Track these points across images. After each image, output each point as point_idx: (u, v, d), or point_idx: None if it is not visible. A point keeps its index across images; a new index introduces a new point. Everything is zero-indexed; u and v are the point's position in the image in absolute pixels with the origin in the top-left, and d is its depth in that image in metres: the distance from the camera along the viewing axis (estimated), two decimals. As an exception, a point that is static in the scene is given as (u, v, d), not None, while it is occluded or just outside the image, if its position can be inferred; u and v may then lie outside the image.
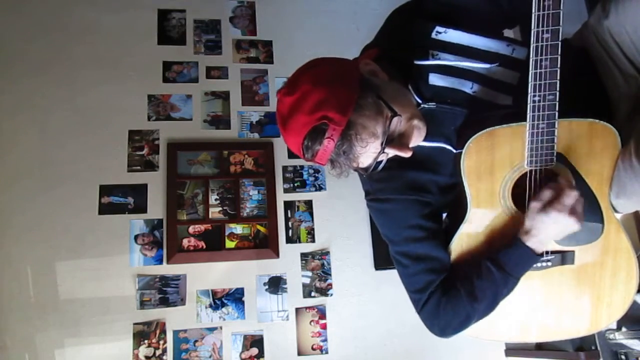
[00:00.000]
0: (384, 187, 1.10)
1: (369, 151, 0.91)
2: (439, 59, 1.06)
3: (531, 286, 1.09)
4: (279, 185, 2.38)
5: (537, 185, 1.00)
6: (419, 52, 1.07)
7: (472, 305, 1.03)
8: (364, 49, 1.19)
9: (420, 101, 1.05)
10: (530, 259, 1.01)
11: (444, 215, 1.22)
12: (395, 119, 0.92)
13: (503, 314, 1.08)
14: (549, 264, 1.06)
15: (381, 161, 0.98)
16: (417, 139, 1.00)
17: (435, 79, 1.06)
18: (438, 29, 1.07)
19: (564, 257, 1.06)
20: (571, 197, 0.95)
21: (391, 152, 0.96)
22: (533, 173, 0.99)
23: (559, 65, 0.88)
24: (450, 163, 1.07)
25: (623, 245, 1.05)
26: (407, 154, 0.97)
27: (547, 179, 0.99)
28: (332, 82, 0.91)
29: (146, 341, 2.10)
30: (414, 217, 1.07)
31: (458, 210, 1.11)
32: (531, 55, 0.88)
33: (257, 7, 2.60)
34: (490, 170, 1.01)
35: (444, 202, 1.12)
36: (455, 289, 1.04)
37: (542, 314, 1.11)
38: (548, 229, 0.98)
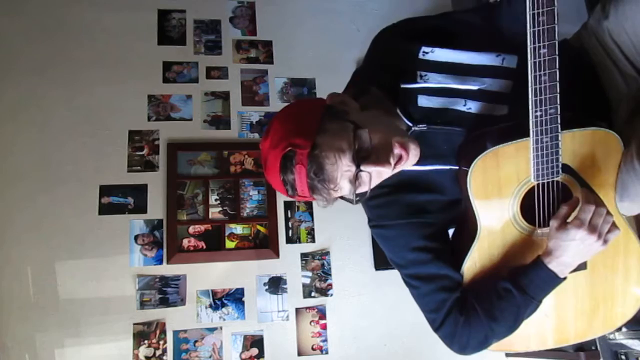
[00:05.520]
0: (383, 213, 1.09)
1: (341, 169, 0.90)
2: (428, 80, 1.05)
3: (547, 296, 1.08)
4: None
5: (546, 198, 0.99)
6: (406, 75, 1.06)
7: (490, 326, 1.01)
8: (353, 74, 1.20)
9: (410, 124, 1.04)
10: (553, 281, 0.99)
11: (452, 230, 1.20)
12: (360, 132, 0.91)
13: (522, 327, 1.07)
14: None
15: (366, 192, 0.96)
16: (409, 158, 0.97)
17: (424, 101, 1.05)
18: (424, 49, 1.05)
19: (577, 265, 1.06)
20: (587, 211, 0.91)
21: (370, 169, 0.92)
22: (540, 186, 0.99)
23: (557, 79, 0.87)
24: (449, 181, 1.06)
25: (633, 246, 1.05)
26: (386, 168, 0.94)
27: (555, 191, 0.99)
28: (297, 114, 0.96)
29: (146, 341, 2.10)
30: (417, 239, 1.06)
31: (464, 226, 1.10)
32: (529, 72, 0.87)
33: (257, 7, 2.60)
34: (497, 187, 1.00)
35: (448, 219, 1.10)
36: (473, 309, 1.02)
37: (558, 320, 1.10)
38: (569, 248, 0.94)
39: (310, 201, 2.33)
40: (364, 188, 0.95)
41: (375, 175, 0.94)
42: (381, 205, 1.09)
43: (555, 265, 0.97)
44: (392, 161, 0.94)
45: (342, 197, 0.98)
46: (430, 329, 1.09)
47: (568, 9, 2.13)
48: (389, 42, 1.15)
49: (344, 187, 0.93)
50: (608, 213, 0.93)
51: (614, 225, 0.94)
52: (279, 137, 0.92)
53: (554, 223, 0.95)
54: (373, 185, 0.96)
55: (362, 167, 0.91)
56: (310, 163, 0.88)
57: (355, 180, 0.91)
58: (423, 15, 1.23)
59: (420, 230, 1.06)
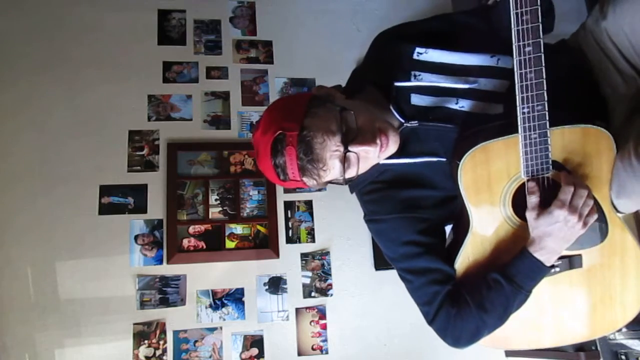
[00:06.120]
0: (377, 209, 1.12)
1: (330, 149, 0.94)
2: (421, 79, 1.08)
3: (542, 293, 1.08)
4: (279, 185, 2.38)
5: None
6: (400, 74, 1.10)
7: (481, 317, 1.02)
8: (351, 74, 1.25)
9: (403, 120, 1.07)
10: (540, 270, 1.00)
11: (449, 227, 1.21)
12: (346, 114, 0.96)
13: (517, 324, 1.07)
14: (557, 269, 1.05)
15: (355, 176, 0.99)
16: (388, 145, 1.00)
17: (416, 99, 1.08)
18: (418, 49, 1.10)
19: (571, 262, 1.05)
20: (567, 192, 0.94)
21: (357, 149, 0.96)
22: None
23: (544, 77, 0.88)
24: (443, 176, 1.08)
25: (629, 244, 1.05)
26: (372, 148, 0.97)
27: (546, 187, 0.99)
28: (285, 105, 1.02)
29: (146, 341, 2.10)
30: (409, 233, 1.08)
31: (460, 221, 1.10)
32: (515, 69, 0.89)
33: (257, 7, 2.60)
34: (488, 184, 1.01)
35: (442, 215, 1.12)
36: (464, 301, 1.04)
37: (556, 319, 1.11)
38: (552, 232, 0.96)
39: (308, 198, 2.35)
40: (352, 170, 0.98)
41: (363, 156, 0.98)
42: (375, 201, 1.12)
43: (540, 253, 0.99)
44: (378, 141, 0.98)
45: (331, 182, 1.01)
46: (429, 327, 1.10)
47: (568, 9, 2.13)
48: (385, 43, 1.19)
49: (333, 168, 0.97)
50: (589, 196, 0.95)
51: (593, 209, 0.97)
52: (269, 124, 0.96)
53: (530, 214, 0.98)
54: (361, 170, 1.00)
55: (349, 148, 0.95)
56: (300, 144, 0.92)
57: (344, 160, 0.95)
58: (422, 15, 1.25)
59: (413, 225, 1.08)
